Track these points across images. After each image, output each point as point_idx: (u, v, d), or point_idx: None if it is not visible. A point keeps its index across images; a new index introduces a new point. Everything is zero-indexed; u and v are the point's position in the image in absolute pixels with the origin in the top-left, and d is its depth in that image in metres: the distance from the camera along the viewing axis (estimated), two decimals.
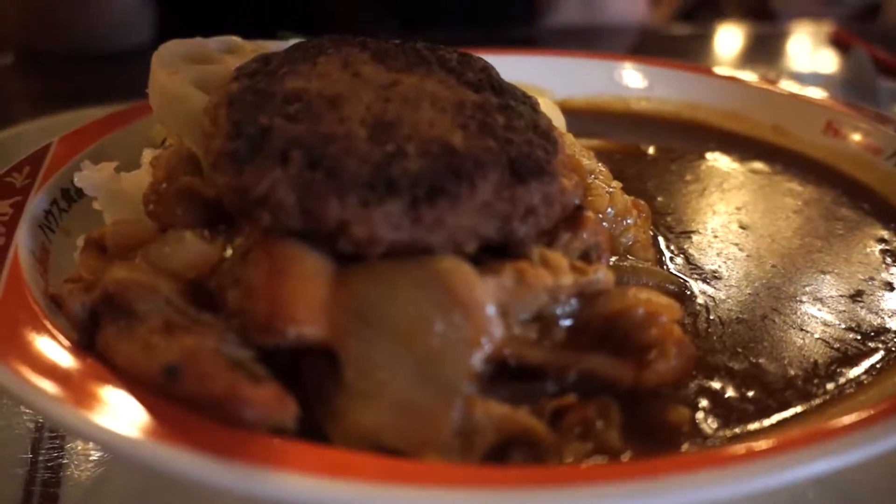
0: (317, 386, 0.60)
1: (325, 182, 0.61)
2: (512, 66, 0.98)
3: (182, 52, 0.86)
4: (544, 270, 0.64)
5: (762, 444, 0.55)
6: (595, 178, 0.86)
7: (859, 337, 0.78)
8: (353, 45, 0.78)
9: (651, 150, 1.23)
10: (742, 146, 1.25)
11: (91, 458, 0.76)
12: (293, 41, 0.81)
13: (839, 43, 2.30)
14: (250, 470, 0.49)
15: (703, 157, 1.22)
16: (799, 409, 0.69)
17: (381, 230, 0.60)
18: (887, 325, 0.80)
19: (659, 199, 1.05)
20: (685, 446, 0.63)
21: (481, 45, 1.17)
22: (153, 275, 0.64)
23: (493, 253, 0.66)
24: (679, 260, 0.91)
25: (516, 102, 0.75)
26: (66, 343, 0.61)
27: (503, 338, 0.62)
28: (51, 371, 0.57)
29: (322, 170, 0.61)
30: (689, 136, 1.31)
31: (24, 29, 2.09)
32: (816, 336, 0.78)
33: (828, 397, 0.70)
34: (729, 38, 2.68)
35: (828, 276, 0.89)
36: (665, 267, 0.89)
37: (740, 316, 0.81)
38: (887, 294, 0.86)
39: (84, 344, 0.63)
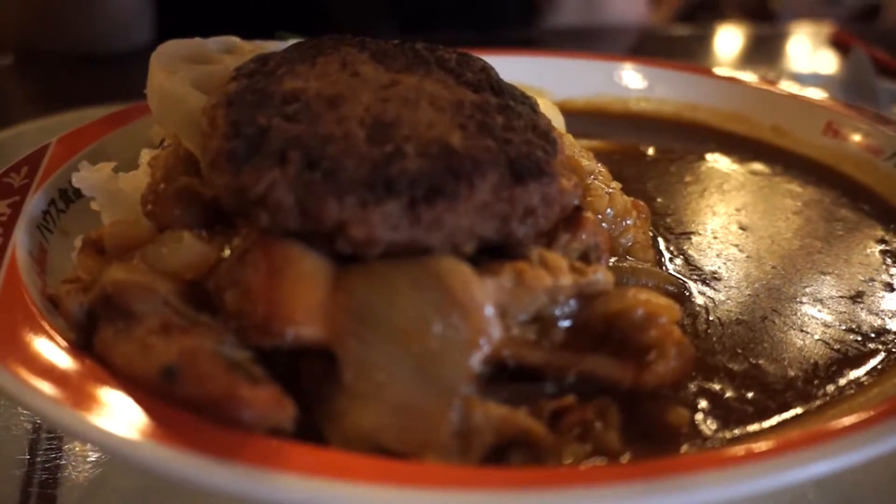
0: (315, 387, 0.60)
1: (324, 182, 0.60)
2: (511, 67, 0.98)
3: (181, 52, 0.86)
4: (543, 271, 0.64)
5: (762, 446, 0.55)
6: (594, 179, 0.86)
7: (859, 338, 0.78)
8: (352, 45, 0.77)
9: (650, 151, 1.23)
10: (741, 147, 1.25)
11: (89, 460, 0.76)
12: (292, 41, 0.81)
13: (839, 44, 2.30)
14: (248, 471, 0.48)
15: (702, 158, 1.21)
16: (799, 410, 0.68)
17: (380, 231, 0.60)
18: (888, 326, 0.80)
19: (658, 199, 1.05)
20: (685, 448, 0.63)
21: (480, 45, 1.17)
22: (151, 275, 0.63)
23: (492, 254, 0.66)
24: (678, 261, 0.91)
25: (515, 103, 0.75)
26: (64, 344, 0.61)
27: (502, 339, 0.61)
28: (48, 372, 0.57)
29: (320, 170, 0.61)
30: (689, 137, 1.30)
31: (24, 29, 2.09)
32: (816, 337, 0.78)
33: (828, 398, 0.70)
34: (729, 39, 2.68)
35: (828, 277, 0.89)
36: (664, 268, 0.89)
37: (740, 317, 0.81)
38: (887, 295, 0.86)
39: (81, 345, 0.62)
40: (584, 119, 1.35)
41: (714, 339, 0.77)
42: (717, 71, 1.43)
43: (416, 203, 0.61)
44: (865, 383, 0.72)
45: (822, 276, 0.89)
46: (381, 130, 0.66)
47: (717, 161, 1.21)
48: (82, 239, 0.71)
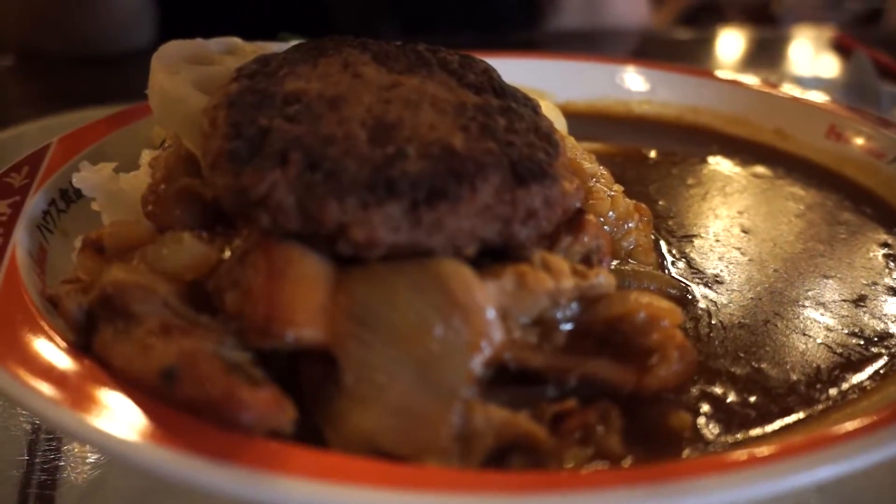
0: (315, 389, 0.60)
1: (325, 184, 0.60)
2: (513, 69, 0.97)
3: (182, 52, 0.86)
4: (545, 274, 0.64)
5: (764, 450, 0.55)
6: (596, 182, 0.86)
7: (862, 342, 0.78)
8: (354, 47, 0.77)
9: (653, 154, 1.23)
10: (744, 150, 1.25)
11: (88, 461, 0.76)
12: (293, 42, 0.81)
13: (841, 47, 2.30)
14: (247, 473, 0.48)
15: (704, 161, 1.21)
16: (801, 414, 0.68)
17: (381, 232, 0.60)
18: (891, 330, 0.80)
19: (660, 202, 1.05)
20: (687, 452, 0.62)
21: (482, 47, 1.17)
22: (151, 276, 0.63)
23: (494, 256, 0.66)
24: (681, 264, 0.90)
25: (517, 105, 0.75)
26: (63, 344, 0.61)
27: (503, 342, 0.61)
28: (47, 373, 0.57)
29: (321, 171, 0.61)
30: (691, 140, 1.30)
31: (25, 30, 2.09)
32: (819, 341, 0.78)
33: (830, 403, 0.69)
34: (730, 43, 2.68)
35: (830, 281, 0.88)
36: (667, 271, 0.89)
37: (742, 320, 0.80)
38: (890, 299, 0.85)
39: (81, 345, 0.62)
40: (586, 121, 1.35)
41: (716, 342, 0.77)
42: (720, 74, 1.42)
43: (418, 205, 0.61)
44: (868, 388, 0.71)
45: (825, 280, 0.89)
46: (382, 132, 0.65)
47: (720, 164, 1.20)
48: (82, 239, 0.70)
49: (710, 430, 0.65)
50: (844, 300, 0.85)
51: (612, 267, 0.82)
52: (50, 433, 0.78)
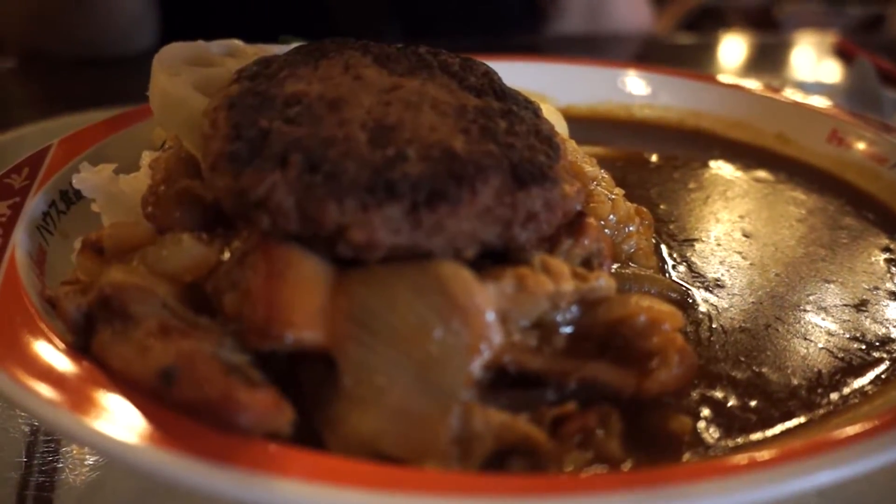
0: (314, 392, 0.59)
1: (325, 185, 0.60)
2: (515, 73, 0.98)
3: (183, 54, 0.86)
4: (545, 277, 0.63)
5: (765, 455, 0.54)
6: (597, 185, 0.85)
7: (864, 347, 0.77)
8: (355, 49, 0.77)
9: (654, 158, 1.23)
10: (745, 154, 1.25)
11: (86, 463, 0.76)
12: (294, 45, 0.81)
13: (843, 53, 2.30)
14: (245, 475, 0.48)
15: (706, 166, 1.21)
16: (802, 419, 0.68)
17: (381, 234, 0.60)
18: (892, 335, 0.79)
19: (662, 206, 1.04)
20: (687, 456, 0.62)
21: (484, 51, 1.17)
22: (150, 277, 0.63)
23: (494, 259, 0.66)
24: (681, 268, 0.90)
25: (518, 107, 0.75)
26: (62, 346, 0.61)
27: (503, 344, 0.61)
28: (45, 374, 0.56)
29: (321, 173, 0.61)
30: (693, 144, 1.30)
31: (28, 33, 2.09)
32: (820, 345, 0.78)
33: (832, 407, 0.69)
34: (732, 48, 2.68)
35: (832, 286, 0.88)
36: (667, 275, 0.88)
37: (743, 325, 0.80)
38: (892, 304, 0.85)
39: (79, 347, 0.62)
40: (587, 125, 1.35)
41: (717, 346, 0.77)
42: (722, 78, 1.42)
43: (418, 207, 0.61)
44: (869, 392, 0.71)
45: (826, 285, 0.88)
46: (382, 134, 0.65)
47: (721, 168, 1.20)
48: (82, 240, 0.70)
49: (711, 434, 0.65)
50: (846, 305, 0.84)
51: (613, 270, 0.82)
52: (48, 435, 0.78)
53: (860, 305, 0.85)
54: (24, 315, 0.64)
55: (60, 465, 0.75)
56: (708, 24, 3.36)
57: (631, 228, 0.86)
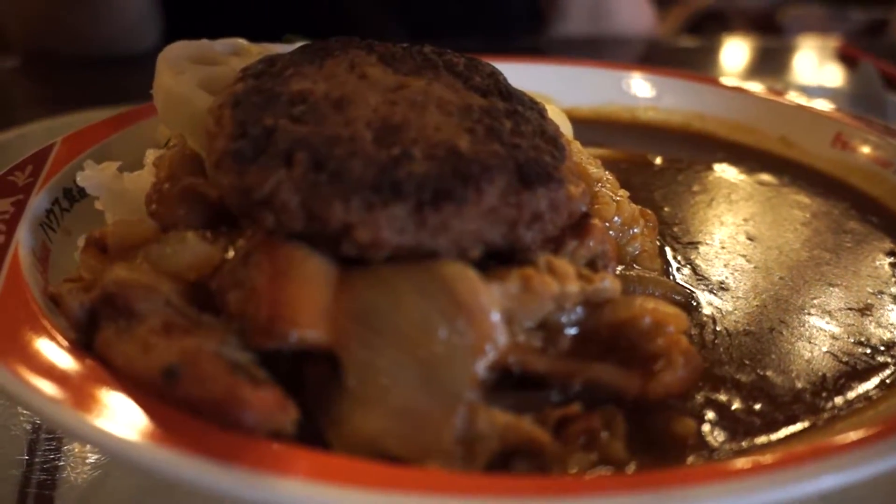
0: (318, 391, 0.59)
1: (330, 184, 0.60)
2: (519, 74, 0.97)
3: (188, 53, 0.86)
4: (550, 278, 0.63)
5: (768, 458, 0.54)
6: (602, 187, 0.85)
7: (868, 351, 0.77)
8: (360, 48, 0.77)
9: (658, 161, 1.23)
10: (750, 158, 1.24)
11: (88, 461, 0.75)
12: (299, 44, 0.81)
13: (846, 57, 2.30)
14: (248, 474, 0.48)
15: (710, 168, 1.21)
16: (806, 423, 0.67)
17: (386, 234, 0.59)
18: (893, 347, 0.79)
19: (666, 209, 1.04)
20: (691, 459, 0.62)
21: (488, 52, 1.17)
22: (154, 275, 0.63)
23: (499, 259, 0.65)
24: (686, 270, 0.90)
25: (524, 108, 0.75)
26: (65, 343, 0.60)
27: (507, 345, 0.61)
28: (48, 371, 0.56)
29: (327, 172, 0.61)
30: (697, 147, 1.30)
31: (33, 32, 2.09)
32: (825, 349, 0.77)
33: (836, 412, 0.69)
34: (735, 51, 2.68)
35: (836, 289, 0.88)
36: (672, 277, 0.88)
37: (747, 328, 0.80)
38: None
39: (82, 344, 0.62)
40: (592, 127, 1.35)
41: (721, 349, 0.77)
42: (726, 81, 1.42)
43: (423, 206, 0.60)
44: (874, 397, 0.71)
45: (831, 288, 0.88)
46: (388, 133, 0.65)
47: (725, 171, 1.20)
48: (85, 238, 0.70)
49: (715, 437, 0.65)
50: (850, 309, 0.84)
51: (618, 272, 0.81)
52: (50, 433, 0.78)
53: (864, 309, 0.84)
54: (26, 312, 0.63)
55: (62, 464, 0.75)
56: (711, 27, 3.36)
57: (635, 230, 0.85)
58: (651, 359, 0.64)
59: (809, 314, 0.83)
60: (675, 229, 0.99)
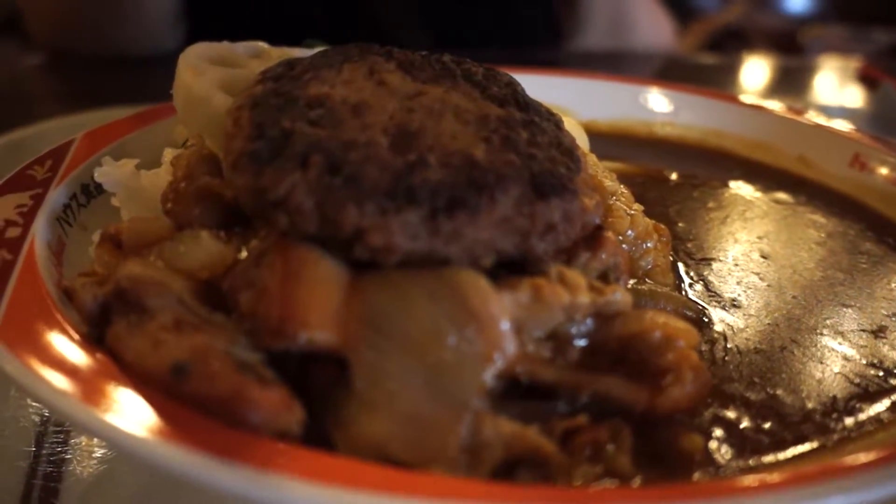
0: (325, 393, 0.59)
1: (345, 188, 0.60)
2: (537, 86, 0.97)
3: (208, 54, 0.86)
4: (561, 288, 0.63)
5: (776, 477, 0.54)
6: (616, 200, 0.85)
7: (881, 373, 0.76)
8: (379, 54, 0.77)
9: (674, 176, 1.22)
10: (766, 176, 1.24)
11: (94, 455, 0.76)
12: (319, 48, 0.82)
13: (867, 78, 2.28)
14: (251, 473, 0.48)
15: (726, 185, 1.20)
16: (815, 443, 0.67)
17: (399, 239, 0.60)
18: None
19: (680, 224, 1.04)
20: (697, 475, 0.61)
21: (507, 63, 1.17)
22: (167, 272, 0.63)
23: (511, 269, 0.65)
24: (698, 286, 0.89)
25: (540, 119, 0.75)
26: (76, 336, 0.61)
27: (516, 354, 0.61)
28: (58, 363, 0.57)
29: (342, 175, 0.61)
30: (713, 164, 1.29)
31: (57, 32, 2.12)
32: (836, 370, 0.77)
33: (846, 433, 0.68)
34: (755, 70, 2.67)
35: (850, 310, 0.87)
36: (684, 293, 0.88)
37: (759, 346, 0.79)
38: None
39: (94, 338, 0.62)
40: (608, 141, 1.34)
41: (731, 366, 0.76)
42: (744, 98, 1.41)
43: (437, 213, 0.61)
44: (885, 420, 0.70)
45: (844, 309, 0.87)
46: (404, 139, 0.66)
47: (741, 188, 1.19)
48: (101, 233, 0.71)
49: (722, 454, 0.64)
50: (864, 330, 0.83)
51: (630, 286, 0.81)
52: (59, 425, 0.79)
53: (878, 331, 0.83)
54: (39, 304, 0.64)
55: (69, 457, 0.75)
56: (731, 45, 3.36)
57: (649, 245, 0.85)
58: (660, 373, 0.64)
59: (822, 334, 0.82)
60: (689, 245, 0.99)
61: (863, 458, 0.56)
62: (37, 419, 0.80)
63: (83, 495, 0.72)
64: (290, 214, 0.60)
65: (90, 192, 0.87)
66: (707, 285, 0.90)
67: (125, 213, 0.83)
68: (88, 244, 0.80)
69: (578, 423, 0.60)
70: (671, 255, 0.91)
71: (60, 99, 1.94)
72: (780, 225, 1.08)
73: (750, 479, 0.53)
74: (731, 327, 0.82)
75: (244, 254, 0.65)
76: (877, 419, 0.70)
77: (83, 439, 0.77)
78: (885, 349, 0.80)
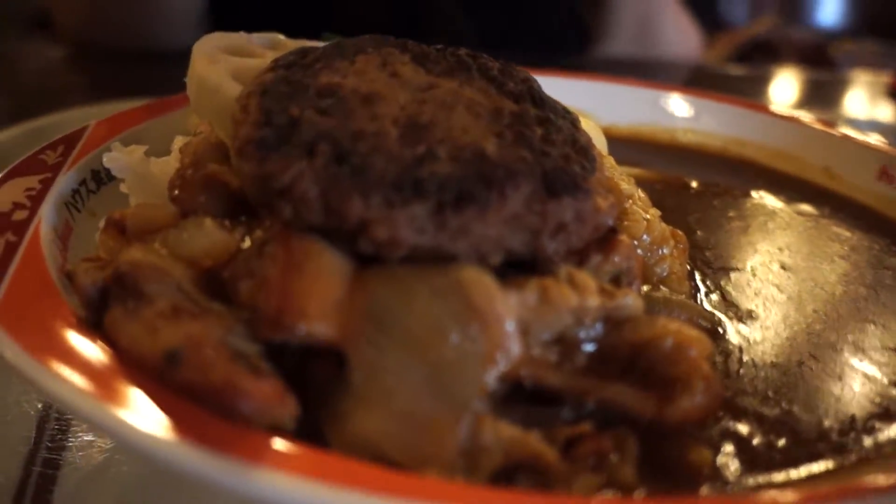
0: (322, 388, 0.58)
1: (351, 178, 0.59)
2: (556, 89, 0.95)
3: (223, 44, 0.86)
4: (570, 290, 0.61)
5: (788, 496, 0.51)
6: (633, 204, 0.83)
7: None
8: (394, 46, 0.76)
9: (694, 184, 1.19)
10: (789, 186, 1.21)
11: (94, 445, 0.75)
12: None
13: None
14: (235, 463, 0.46)
15: (747, 195, 1.17)
16: (831, 463, 0.64)
17: (404, 233, 0.58)
18: None
19: (699, 232, 1.01)
20: (704, 489, 0.59)
21: (529, 65, 1.15)
22: (169, 259, 0.62)
23: (520, 269, 0.64)
24: (714, 296, 0.87)
25: (556, 116, 0.73)
26: (74, 321, 0.60)
27: (521, 356, 0.59)
28: (54, 347, 0.56)
29: (348, 165, 0.60)
30: (735, 173, 1.26)
31: (80, 25, 2.14)
32: (856, 389, 0.74)
33: (864, 454, 0.65)
34: (785, 82, 2.63)
35: (872, 327, 0.84)
36: (700, 302, 0.85)
37: (775, 360, 0.77)
38: None
39: (92, 322, 0.61)
40: (628, 146, 1.32)
41: (746, 379, 0.74)
42: (769, 107, 1.38)
43: (444, 208, 0.59)
44: None
45: (867, 325, 0.84)
46: (414, 131, 0.64)
47: (763, 198, 1.16)
48: (105, 218, 0.70)
49: (732, 469, 0.62)
50: (886, 348, 0.80)
51: (643, 292, 0.79)
52: (60, 413, 0.78)
53: None
54: (41, 287, 0.63)
55: (69, 445, 0.75)
56: (760, 58, 3.31)
57: (665, 251, 0.83)
58: (670, 382, 0.62)
59: (842, 350, 0.79)
60: (708, 254, 0.96)
61: (881, 479, 0.54)
62: (39, 405, 0.79)
63: (79, 483, 0.72)
64: (294, 204, 0.59)
65: (101, 178, 0.86)
66: (724, 295, 0.87)
67: (133, 199, 0.82)
68: (96, 230, 0.79)
69: (582, 430, 0.58)
70: (688, 263, 0.89)
71: (85, 91, 1.96)
72: (802, 237, 1.05)
73: (760, 497, 0.51)
74: (747, 339, 0.79)
75: (248, 243, 0.64)
76: None
77: (84, 428, 0.76)
78: None
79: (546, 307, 0.60)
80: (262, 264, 0.59)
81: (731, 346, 0.78)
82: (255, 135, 0.62)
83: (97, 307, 0.62)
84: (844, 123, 1.76)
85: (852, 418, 0.70)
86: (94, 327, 0.61)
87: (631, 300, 0.64)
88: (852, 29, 4.16)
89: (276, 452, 0.48)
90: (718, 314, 0.83)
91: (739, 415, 0.68)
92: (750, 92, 2.34)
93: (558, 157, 0.67)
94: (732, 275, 0.92)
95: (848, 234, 1.06)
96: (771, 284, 0.90)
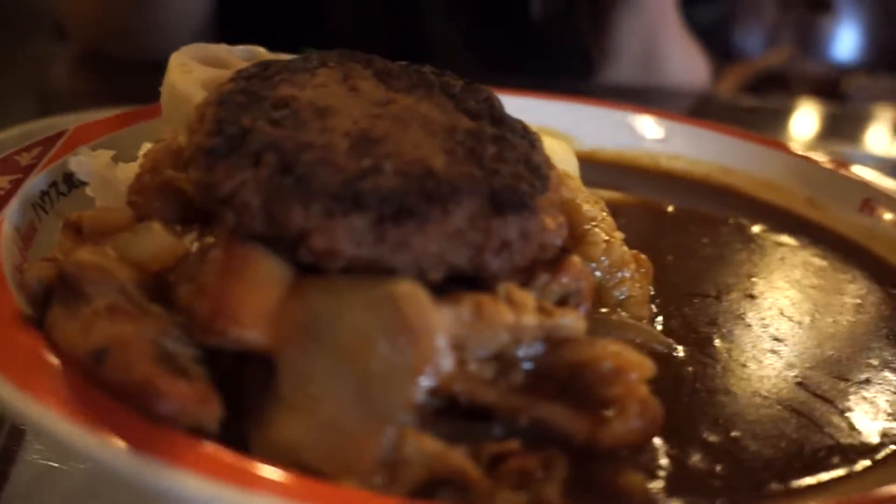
0: (252, 394, 0.58)
1: (293, 188, 0.60)
2: (536, 112, 0.96)
3: (200, 54, 0.88)
4: (506, 307, 0.61)
5: None
6: (595, 226, 0.83)
7: (857, 428, 0.72)
8: (359, 62, 0.77)
9: (671, 209, 1.19)
10: (770, 216, 1.19)
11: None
12: None
13: None
14: (149, 461, 0.47)
15: (725, 222, 1.16)
16: (773, 491, 0.63)
17: (342, 244, 0.58)
18: (891, 424, 0.74)
19: (669, 257, 1.00)
20: None
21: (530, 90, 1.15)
22: (115, 261, 0.63)
23: (465, 285, 0.64)
24: (675, 322, 0.86)
25: (514, 135, 0.73)
26: (18, 317, 0.61)
27: (453, 372, 0.59)
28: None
29: (293, 176, 0.60)
30: (717, 200, 1.26)
31: (89, 33, 2.18)
32: (809, 420, 0.73)
33: (804, 488, 0.65)
34: (796, 115, 2.62)
35: (834, 359, 0.83)
36: (660, 327, 0.85)
37: (728, 388, 0.76)
38: (892, 384, 0.80)
39: (36, 320, 0.62)
40: (611, 170, 1.32)
41: (695, 406, 0.73)
42: (756, 136, 1.37)
43: (384, 220, 0.59)
44: (852, 475, 0.66)
45: (828, 356, 0.83)
46: (364, 145, 0.65)
47: (741, 227, 1.15)
48: (63, 220, 0.71)
49: (664, 495, 0.61)
50: (845, 380, 0.79)
51: (598, 314, 0.79)
52: None
53: (861, 384, 0.80)
54: None
55: (29, 439, 0.76)
56: (771, 90, 3.30)
57: (625, 274, 0.83)
58: (605, 405, 0.61)
59: (799, 382, 0.78)
60: (675, 279, 0.96)
61: None
62: None
63: (30, 479, 0.73)
64: (236, 212, 0.60)
65: (73, 182, 0.88)
66: (685, 321, 0.87)
67: (98, 203, 0.84)
68: None
69: (508, 447, 0.58)
70: (651, 287, 0.88)
71: (84, 97, 1.99)
72: (775, 265, 1.04)
73: None
74: (703, 366, 0.79)
75: (195, 248, 0.65)
76: (848, 473, 0.67)
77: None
78: (865, 404, 0.76)
79: (481, 323, 0.60)
80: (202, 269, 0.60)
81: (685, 373, 0.78)
82: (205, 143, 0.63)
83: (42, 305, 0.63)
84: (858, 159, 1.74)
85: (800, 450, 0.69)
86: (36, 325, 0.61)
87: (570, 320, 0.64)
88: (869, 63, 4.14)
89: (186, 452, 0.48)
90: (676, 341, 0.82)
91: (683, 441, 0.68)
92: (759, 124, 2.32)
93: (508, 175, 0.67)
94: (697, 301, 0.91)
95: (824, 264, 1.05)
96: (734, 313, 0.90)
